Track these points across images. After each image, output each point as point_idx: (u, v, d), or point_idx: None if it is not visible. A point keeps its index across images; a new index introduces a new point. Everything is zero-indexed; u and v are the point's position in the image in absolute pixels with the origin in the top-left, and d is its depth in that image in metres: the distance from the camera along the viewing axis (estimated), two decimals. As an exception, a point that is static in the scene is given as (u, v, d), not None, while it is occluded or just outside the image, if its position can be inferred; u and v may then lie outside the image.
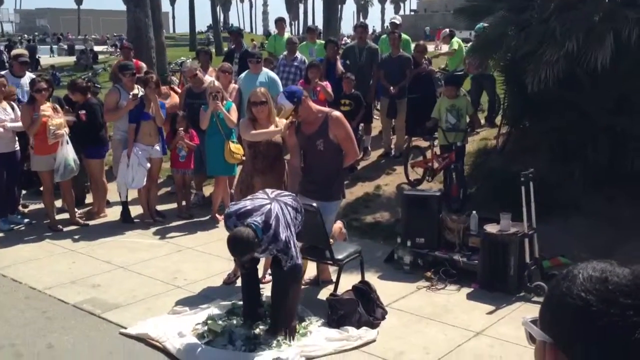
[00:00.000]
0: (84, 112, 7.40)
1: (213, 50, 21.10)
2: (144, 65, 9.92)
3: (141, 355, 4.48)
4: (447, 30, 11.49)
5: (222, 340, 4.51)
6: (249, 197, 4.53)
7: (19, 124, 7.17)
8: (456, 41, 10.90)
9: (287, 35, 11.32)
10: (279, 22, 11.67)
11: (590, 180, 6.50)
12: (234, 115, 7.05)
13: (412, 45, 10.10)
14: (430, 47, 13.23)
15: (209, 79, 8.25)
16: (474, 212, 5.96)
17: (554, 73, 6.07)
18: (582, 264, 0.96)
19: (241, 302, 4.90)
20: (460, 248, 5.89)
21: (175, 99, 8.33)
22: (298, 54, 9.57)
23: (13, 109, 7.34)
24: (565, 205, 6.50)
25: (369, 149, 9.37)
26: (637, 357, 0.85)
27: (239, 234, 4.12)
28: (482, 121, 9.66)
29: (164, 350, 4.47)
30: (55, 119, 7.02)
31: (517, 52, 6.87)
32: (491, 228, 5.55)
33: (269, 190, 4.60)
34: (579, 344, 0.90)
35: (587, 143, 6.48)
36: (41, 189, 7.43)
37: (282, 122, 5.67)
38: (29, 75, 8.30)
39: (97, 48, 33.19)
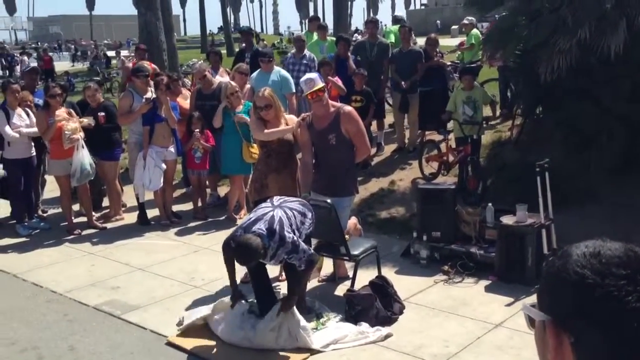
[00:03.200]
0: (103, 114, 7.47)
1: (224, 51, 21.18)
2: (157, 68, 9.97)
3: (162, 355, 4.52)
4: (467, 19, 11.20)
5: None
6: (251, 212, 4.58)
7: (34, 129, 7.26)
8: (475, 34, 10.78)
9: (315, 34, 11.25)
10: (313, 21, 12.34)
11: (606, 169, 6.44)
12: None
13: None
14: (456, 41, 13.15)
15: (219, 79, 8.27)
16: (490, 204, 5.93)
17: (567, 62, 6.02)
18: (576, 244, 1.00)
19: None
20: (476, 241, 5.87)
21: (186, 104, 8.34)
22: (307, 52, 9.57)
23: (28, 115, 7.43)
24: (582, 195, 6.45)
25: (383, 144, 9.35)
26: (634, 323, 0.88)
27: (244, 241, 4.16)
28: (497, 112, 9.61)
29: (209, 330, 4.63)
30: (71, 123, 7.09)
31: (529, 42, 6.81)
32: (507, 220, 5.53)
33: (275, 199, 4.66)
34: (579, 317, 0.92)
35: (602, 132, 6.41)
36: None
37: (292, 120, 5.68)
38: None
39: (110, 53, 33.31)
